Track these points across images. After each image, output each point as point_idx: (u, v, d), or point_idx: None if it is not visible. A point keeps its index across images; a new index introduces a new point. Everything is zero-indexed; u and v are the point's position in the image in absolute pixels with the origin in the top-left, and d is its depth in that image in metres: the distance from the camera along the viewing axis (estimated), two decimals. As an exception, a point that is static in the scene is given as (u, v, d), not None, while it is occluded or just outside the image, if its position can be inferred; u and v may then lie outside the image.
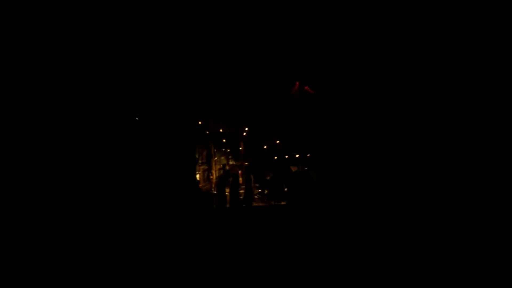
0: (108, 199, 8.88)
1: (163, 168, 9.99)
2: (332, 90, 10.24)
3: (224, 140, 12.86)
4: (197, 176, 11.96)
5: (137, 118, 10.33)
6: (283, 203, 11.94)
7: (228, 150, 13.22)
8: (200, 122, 11.77)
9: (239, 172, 12.78)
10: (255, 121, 12.11)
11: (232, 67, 10.79)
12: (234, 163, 13.30)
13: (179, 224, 8.86)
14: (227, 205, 11.67)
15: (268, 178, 12.73)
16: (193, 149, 10.94)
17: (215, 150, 13.06)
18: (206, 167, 12.74)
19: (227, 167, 12.54)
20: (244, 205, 11.86)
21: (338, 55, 9.79)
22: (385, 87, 9.37)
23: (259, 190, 13.09)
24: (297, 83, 11.17)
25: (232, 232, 8.54)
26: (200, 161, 12.47)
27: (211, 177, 12.65)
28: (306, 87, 11.09)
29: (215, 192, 11.80)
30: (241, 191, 12.29)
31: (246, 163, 13.05)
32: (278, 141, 13.41)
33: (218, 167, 12.86)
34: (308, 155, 13.16)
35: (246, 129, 12.84)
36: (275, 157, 13.55)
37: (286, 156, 13.20)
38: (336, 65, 9.90)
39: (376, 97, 9.55)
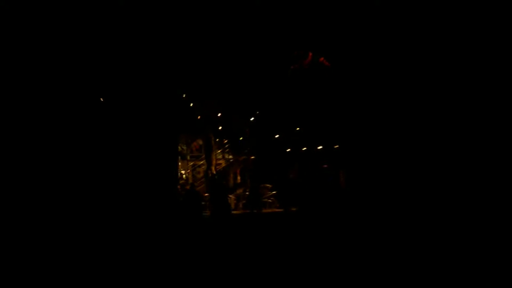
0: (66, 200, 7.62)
1: (131, 164, 8.31)
2: (353, 60, 8.61)
3: (220, 128, 10.19)
4: (184, 173, 9.60)
5: (101, 99, 8.31)
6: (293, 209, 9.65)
7: (225, 141, 10.64)
8: (191, 104, 9.36)
9: (237, 170, 10.25)
10: (261, 103, 9.64)
11: (229, 35, 8.98)
12: (231, 157, 10.71)
13: (146, 237, 7.37)
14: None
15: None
16: (174, 139, 8.63)
17: (215, 141, 10.49)
18: (200, 162, 10.30)
19: (219, 166, 10.17)
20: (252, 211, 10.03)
21: (360, 17, 8.20)
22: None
23: (273, 192, 10.65)
24: (310, 53, 9.33)
25: (221, 249, 7.00)
26: (188, 155, 10.07)
27: (210, 174, 10.22)
28: (321, 59, 9.21)
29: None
30: (247, 193, 10.38)
31: (253, 157, 10.45)
32: (298, 128, 10.70)
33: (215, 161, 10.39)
34: (336, 146, 10.65)
35: (257, 112, 10.26)
36: (288, 150, 10.87)
37: (304, 149, 10.55)
38: (356, 29, 8.38)
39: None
